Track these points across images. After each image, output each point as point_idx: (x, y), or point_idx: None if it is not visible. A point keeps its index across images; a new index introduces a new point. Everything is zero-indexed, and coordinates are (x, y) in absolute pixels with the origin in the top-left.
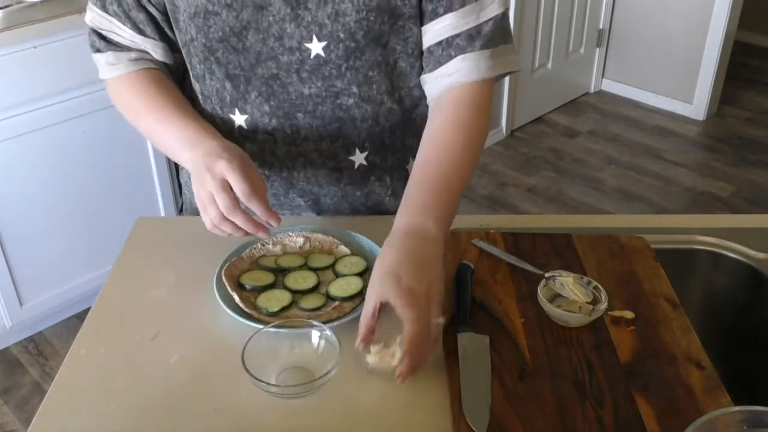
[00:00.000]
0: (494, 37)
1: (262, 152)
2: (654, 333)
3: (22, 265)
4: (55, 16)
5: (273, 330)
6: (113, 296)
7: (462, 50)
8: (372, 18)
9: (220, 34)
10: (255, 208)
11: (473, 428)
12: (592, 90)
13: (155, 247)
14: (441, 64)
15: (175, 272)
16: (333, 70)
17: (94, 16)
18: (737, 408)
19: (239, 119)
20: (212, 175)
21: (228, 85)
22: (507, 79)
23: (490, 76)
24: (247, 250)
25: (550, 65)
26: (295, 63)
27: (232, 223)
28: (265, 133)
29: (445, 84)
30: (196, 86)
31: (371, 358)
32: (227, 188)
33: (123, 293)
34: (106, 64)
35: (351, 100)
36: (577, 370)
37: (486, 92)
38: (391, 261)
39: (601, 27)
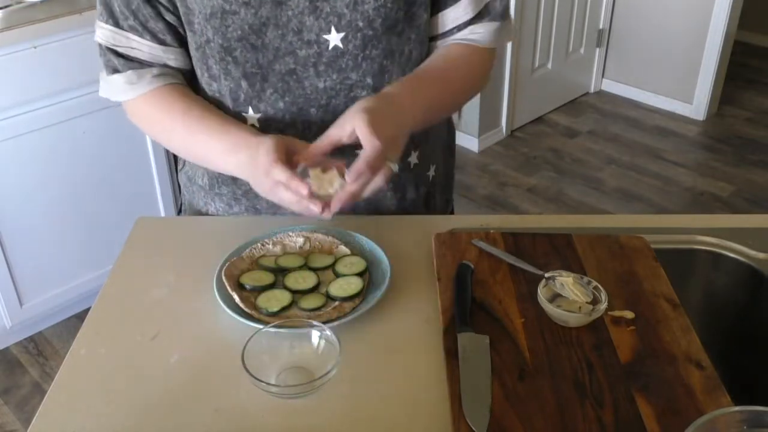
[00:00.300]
0: (501, 12)
1: None
2: (654, 333)
3: (22, 265)
4: (55, 16)
5: (273, 330)
6: (113, 296)
7: (474, 23)
8: (389, 5)
9: (239, 33)
10: (298, 190)
11: (473, 428)
12: (592, 90)
13: (155, 247)
14: (457, 32)
15: (175, 272)
16: (350, 61)
17: (106, 34)
18: (737, 408)
19: (252, 118)
20: (265, 174)
21: (244, 83)
22: (507, 79)
23: (497, 46)
24: (247, 250)
25: (550, 65)
26: (313, 56)
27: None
28: (277, 131)
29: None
30: (213, 86)
31: (310, 181)
32: (282, 186)
33: (123, 293)
34: (127, 84)
35: (364, 92)
36: (577, 370)
37: (490, 59)
38: (370, 104)
39: (601, 27)
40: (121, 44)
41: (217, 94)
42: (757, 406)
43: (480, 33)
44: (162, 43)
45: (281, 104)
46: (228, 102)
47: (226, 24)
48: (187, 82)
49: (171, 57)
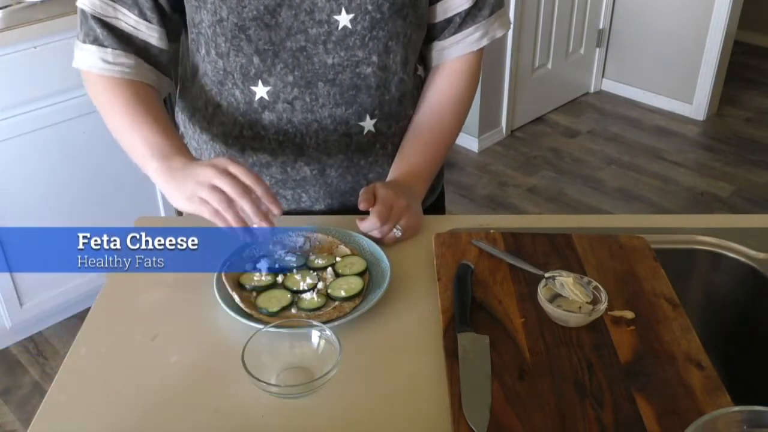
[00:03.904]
0: (495, 2)
1: (279, 120)
2: (654, 333)
3: None
4: (55, 16)
5: (273, 330)
6: (113, 296)
7: (473, 19)
8: None
9: (255, 13)
10: (261, 191)
11: (473, 428)
12: (592, 90)
13: None
14: (458, 31)
15: (175, 272)
16: (357, 40)
17: (94, 2)
18: (737, 408)
19: (261, 91)
20: (213, 167)
21: (256, 59)
22: (507, 79)
23: (491, 41)
24: (247, 251)
25: (550, 65)
26: (323, 35)
27: (235, 212)
28: (285, 103)
29: (455, 52)
30: (219, 63)
31: None
32: (231, 175)
33: (123, 293)
34: (100, 59)
35: (369, 69)
36: (577, 370)
37: (480, 58)
38: (386, 183)
39: (601, 27)
40: (109, 14)
41: (222, 71)
42: (757, 406)
43: (473, 38)
44: (147, 20)
45: (290, 78)
46: (237, 77)
47: (243, 5)
48: (164, 64)
49: (154, 36)
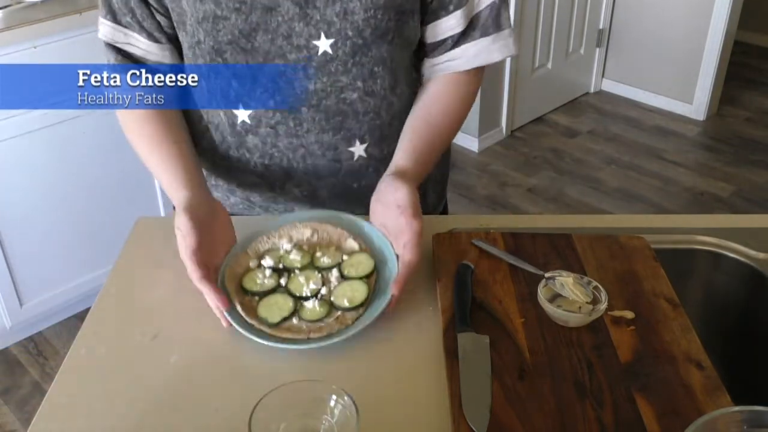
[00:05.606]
0: (493, 23)
1: (263, 144)
2: (654, 333)
3: (22, 265)
4: (55, 16)
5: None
6: (113, 296)
7: (464, 39)
8: (379, 16)
9: (229, 37)
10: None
11: (473, 428)
12: (592, 90)
13: (155, 247)
14: (447, 51)
15: (175, 272)
16: (339, 66)
17: (107, 30)
18: (737, 408)
19: (243, 114)
20: (178, 230)
21: (234, 83)
22: (507, 79)
23: (487, 63)
24: (252, 245)
25: (550, 65)
26: (302, 60)
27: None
28: (268, 127)
29: (447, 69)
30: (202, 84)
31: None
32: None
33: (123, 293)
34: None
35: (355, 95)
36: (577, 370)
37: (478, 77)
38: (404, 192)
39: (601, 27)
40: (120, 40)
41: (206, 92)
42: (757, 406)
43: (465, 57)
44: (157, 41)
45: (271, 102)
46: (219, 100)
47: (217, 28)
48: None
49: (167, 54)
